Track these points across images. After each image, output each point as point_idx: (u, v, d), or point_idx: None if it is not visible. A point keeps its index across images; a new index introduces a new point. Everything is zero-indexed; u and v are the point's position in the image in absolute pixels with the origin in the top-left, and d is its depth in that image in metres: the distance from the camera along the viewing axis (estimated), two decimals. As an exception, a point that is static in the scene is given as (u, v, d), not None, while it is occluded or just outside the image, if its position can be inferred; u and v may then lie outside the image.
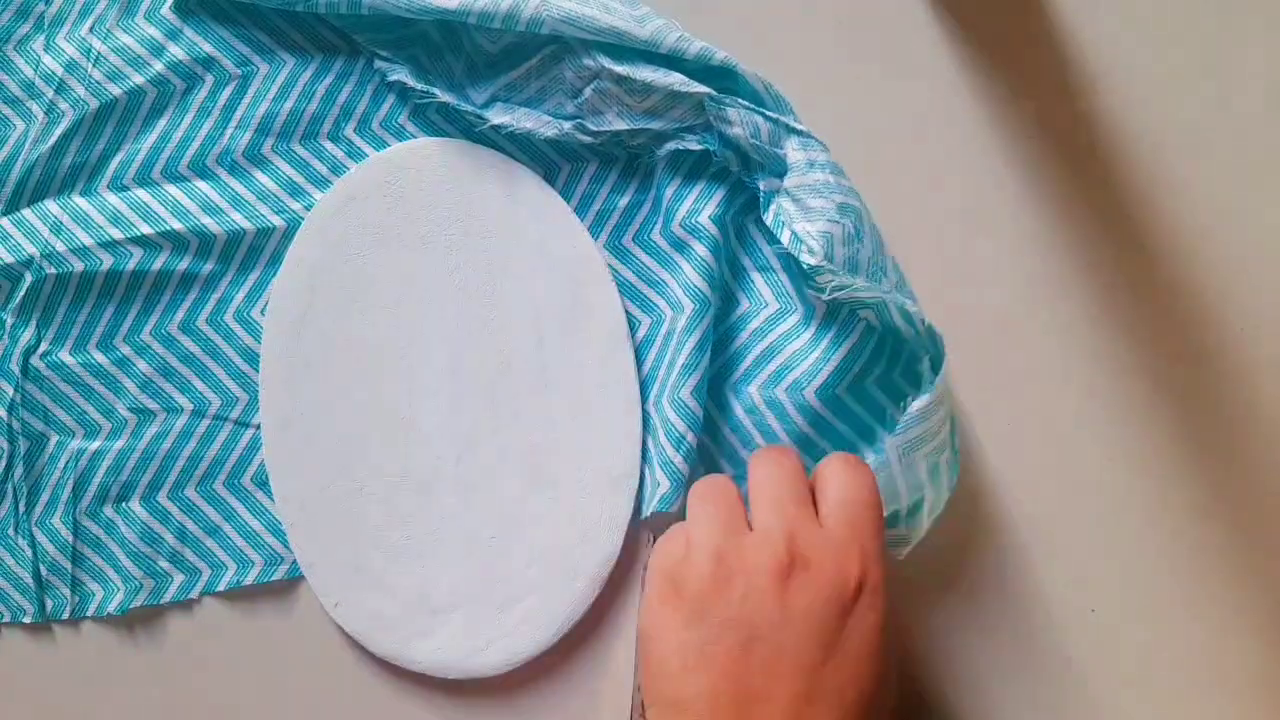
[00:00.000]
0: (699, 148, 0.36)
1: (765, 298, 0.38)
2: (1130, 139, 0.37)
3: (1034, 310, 0.37)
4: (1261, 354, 0.36)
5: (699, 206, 0.37)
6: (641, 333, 0.38)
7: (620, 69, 0.35)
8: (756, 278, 0.38)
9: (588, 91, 0.36)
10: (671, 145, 0.37)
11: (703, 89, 0.35)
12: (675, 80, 0.35)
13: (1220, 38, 0.37)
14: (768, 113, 0.35)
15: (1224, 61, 0.37)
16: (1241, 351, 0.36)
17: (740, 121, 0.35)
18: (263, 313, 0.40)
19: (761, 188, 0.36)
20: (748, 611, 0.30)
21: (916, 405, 0.34)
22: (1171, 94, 0.37)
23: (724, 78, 0.36)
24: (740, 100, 0.35)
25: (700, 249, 0.37)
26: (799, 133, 0.35)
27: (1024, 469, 0.37)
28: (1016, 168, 0.37)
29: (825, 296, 0.34)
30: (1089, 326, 0.37)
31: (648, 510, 0.38)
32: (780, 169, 0.35)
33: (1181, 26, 0.37)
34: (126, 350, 0.40)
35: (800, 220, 0.34)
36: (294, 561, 0.40)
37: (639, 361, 0.38)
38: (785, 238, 0.34)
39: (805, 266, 0.34)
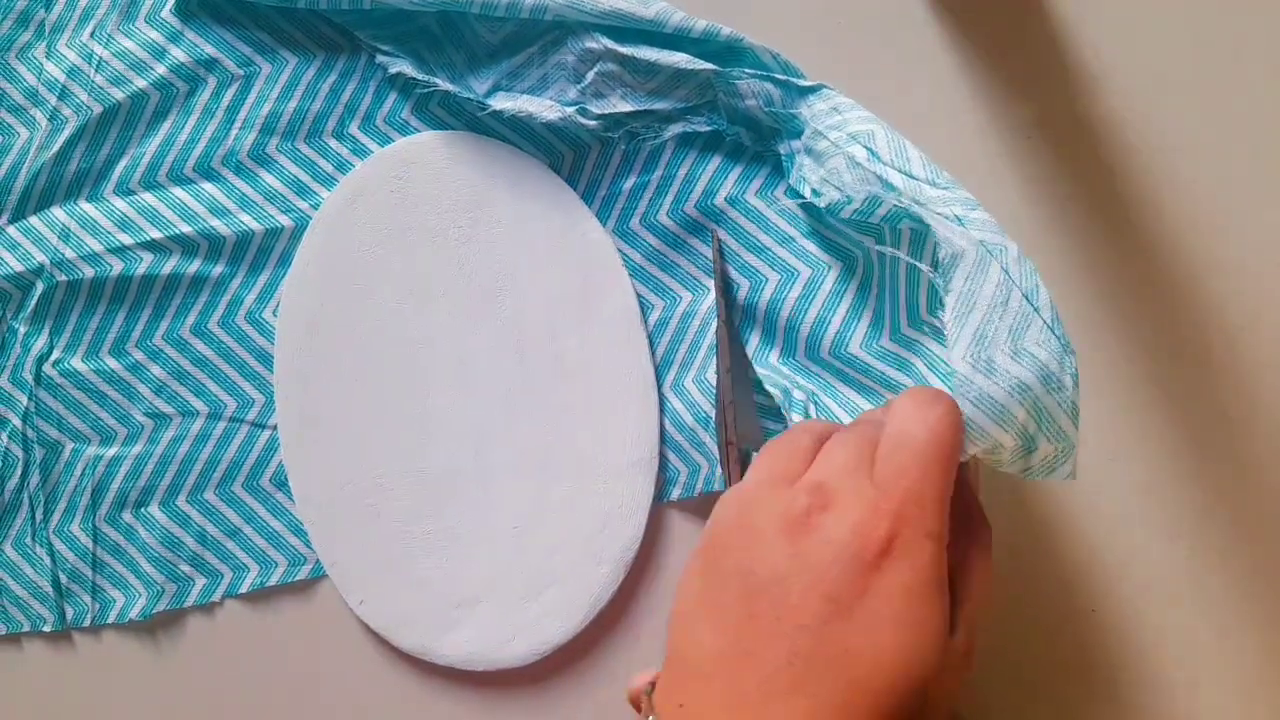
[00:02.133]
0: (708, 128, 0.36)
1: (823, 260, 0.36)
2: (1130, 139, 0.37)
3: None
4: (1262, 354, 0.36)
5: (714, 188, 0.37)
6: (655, 316, 0.38)
7: (624, 49, 0.35)
8: (808, 245, 0.37)
9: (591, 74, 0.36)
10: (678, 127, 0.37)
11: (708, 66, 0.35)
12: (680, 59, 0.35)
13: (1220, 37, 0.37)
14: (777, 76, 0.35)
15: (1224, 61, 0.37)
16: (1242, 351, 0.36)
17: (751, 93, 0.35)
18: (274, 313, 0.40)
19: (781, 152, 0.36)
20: (752, 560, 0.27)
21: (948, 312, 0.29)
22: (1171, 94, 0.37)
23: (730, 54, 0.36)
24: (747, 70, 0.35)
25: (719, 231, 0.37)
26: (811, 90, 0.35)
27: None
28: (1016, 168, 0.37)
29: (847, 215, 0.33)
30: (1089, 326, 0.37)
31: (671, 496, 0.38)
32: (797, 130, 0.35)
33: (1181, 26, 0.37)
34: (139, 356, 0.40)
35: (816, 171, 0.34)
36: (317, 561, 0.40)
37: (653, 345, 0.38)
38: (807, 193, 0.34)
39: (827, 209, 0.33)
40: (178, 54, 0.39)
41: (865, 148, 0.32)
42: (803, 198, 0.35)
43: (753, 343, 0.37)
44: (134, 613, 0.40)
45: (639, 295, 0.38)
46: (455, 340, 0.39)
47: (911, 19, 0.38)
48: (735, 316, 0.37)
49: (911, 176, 0.31)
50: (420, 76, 0.37)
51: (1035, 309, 0.29)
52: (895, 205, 0.31)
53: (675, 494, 0.38)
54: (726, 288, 0.37)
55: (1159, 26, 0.37)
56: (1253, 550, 0.36)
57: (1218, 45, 0.37)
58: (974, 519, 0.30)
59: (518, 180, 0.38)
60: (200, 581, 0.40)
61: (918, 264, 0.31)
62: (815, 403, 0.36)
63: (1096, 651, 0.36)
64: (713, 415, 0.37)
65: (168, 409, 0.40)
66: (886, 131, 0.33)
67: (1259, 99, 0.37)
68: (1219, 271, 0.37)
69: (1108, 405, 0.37)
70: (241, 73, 0.39)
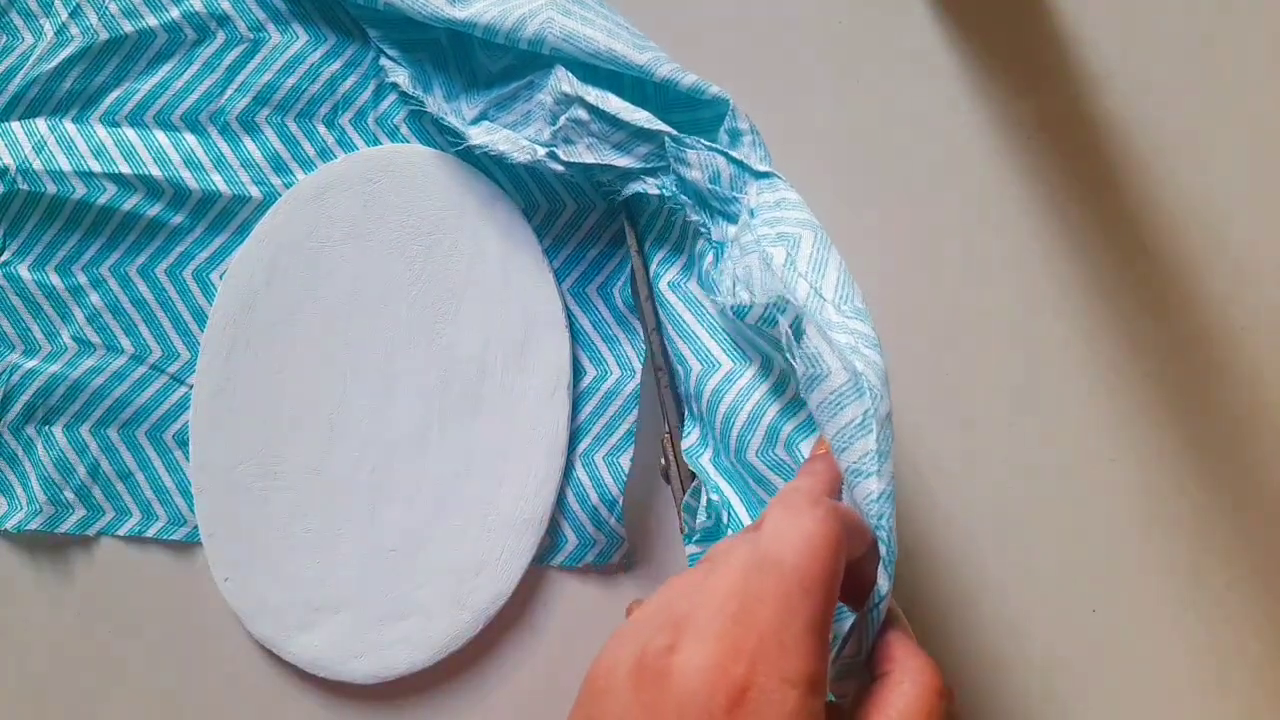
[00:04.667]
0: (656, 191, 0.35)
1: (745, 357, 0.35)
2: (1130, 139, 0.37)
3: (1034, 310, 0.37)
4: (1263, 353, 0.36)
5: (660, 272, 0.37)
6: (585, 382, 0.38)
7: (591, 96, 0.34)
8: (738, 338, 0.35)
9: (563, 119, 0.35)
10: (636, 185, 0.35)
11: (665, 128, 0.34)
12: (641, 117, 0.34)
13: (1221, 37, 0.37)
14: (732, 154, 0.33)
15: (1224, 61, 0.37)
16: (1243, 351, 0.36)
17: (699, 164, 0.33)
18: (221, 277, 0.40)
19: (714, 237, 0.34)
20: (598, 714, 0.23)
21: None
22: (1172, 93, 0.37)
23: (712, 113, 0.34)
24: (702, 141, 0.33)
25: (659, 316, 0.37)
26: (763, 175, 0.33)
27: (1025, 469, 0.37)
28: (1016, 168, 0.37)
29: (752, 321, 0.31)
30: (1090, 326, 0.37)
31: (552, 561, 0.38)
32: (734, 216, 0.34)
33: (1182, 26, 0.37)
34: (83, 279, 0.40)
35: (736, 266, 0.33)
36: (195, 527, 0.40)
37: (577, 410, 0.38)
38: (723, 288, 0.33)
39: (734, 311, 0.32)
40: (195, 2, 0.39)
41: (787, 252, 0.31)
42: (716, 293, 0.33)
43: (691, 438, 0.37)
44: (10, 523, 0.40)
45: (575, 360, 0.38)
46: (385, 354, 0.38)
47: (911, 19, 0.38)
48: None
49: (819, 295, 0.30)
50: (412, 93, 0.37)
51: (874, 474, 0.27)
52: (795, 317, 0.29)
53: (558, 560, 0.38)
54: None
55: (1159, 26, 0.37)
56: (1253, 550, 0.36)
57: (1218, 45, 0.37)
58: (899, 659, 0.26)
59: (488, 216, 0.38)
60: (80, 512, 0.40)
61: (793, 368, 0.29)
62: (728, 511, 0.35)
63: (1096, 651, 0.36)
64: (620, 500, 0.37)
65: (95, 339, 0.40)
66: (816, 239, 0.31)
67: (1259, 99, 0.36)
68: (1219, 271, 0.36)
69: (1108, 405, 0.36)
70: (251, 36, 0.39)
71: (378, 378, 0.38)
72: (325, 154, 0.39)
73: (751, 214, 0.33)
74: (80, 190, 0.40)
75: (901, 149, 0.38)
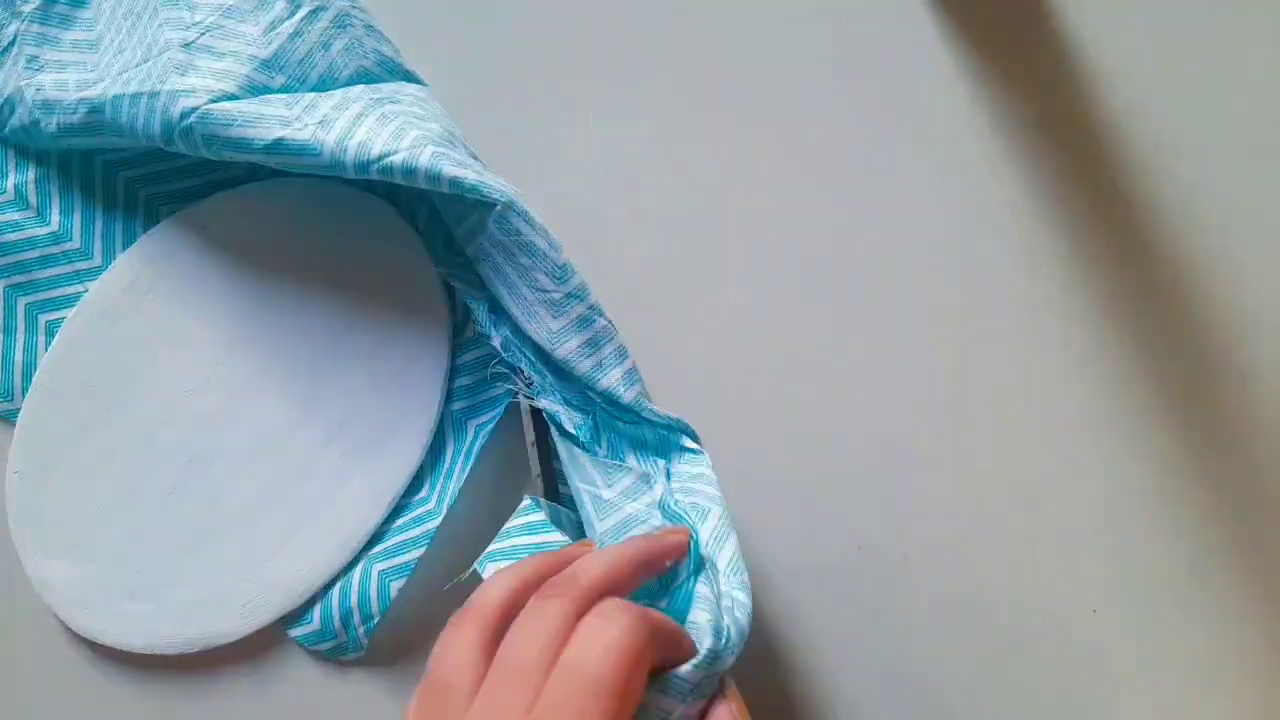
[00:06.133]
0: (572, 426, 0.36)
1: None
2: (1130, 139, 0.37)
3: (1034, 310, 0.37)
4: (1262, 354, 0.36)
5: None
6: (416, 496, 0.39)
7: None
8: None
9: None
10: (551, 405, 0.36)
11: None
12: (631, 462, 0.35)
13: (1221, 37, 0.37)
14: (688, 445, 0.35)
15: (1224, 61, 0.37)
16: (1242, 351, 0.36)
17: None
18: (172, 214, 0.40)
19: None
20: None
21: None
22: (1172, 93, 0.37)
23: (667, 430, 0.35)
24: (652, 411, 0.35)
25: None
26: (691, 450, 0.35)
27: (1025, 468, 0.37)
28: (1016, 168, 0.37)
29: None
30: (1090, 326, 0.37)
31: (291, 632, 0.38)
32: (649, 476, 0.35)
33: (1182, 26, 0.37)
34: (59, 144, 0.40)
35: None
36: (17, 409, 0.40)
37: (391, 517, 0.39)
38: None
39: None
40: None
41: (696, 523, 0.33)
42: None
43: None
44: None
45: (420, 473, 0.39)
46: (260, 373, 0.39)
47: (911, 19, 0.38)
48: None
49: (714, 565, 0.32)
50: (483, 322, 0.37)
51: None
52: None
53: (295, 633, 0.38)
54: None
55: (1160, 26, 0.37)
56: (1253, 550, 0.36)
57: (1218, 45, 0.37)
58: None
59: (417, 320, 0.39)
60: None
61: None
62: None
63: (1096, 651, 0.36)
64: (377, 618, 0.38)
65: (32, 200, 0.41)
66: (721, 517, 0.33)
67: (1259, 99, 0.37)
68: (1219, 271, 0.36)
69: (1109, 404, 0.37)
70: None
71: (240, 386, 0.39)
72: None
73: (669, 476, 0.34)
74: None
75: (901, 149, 0.38)
